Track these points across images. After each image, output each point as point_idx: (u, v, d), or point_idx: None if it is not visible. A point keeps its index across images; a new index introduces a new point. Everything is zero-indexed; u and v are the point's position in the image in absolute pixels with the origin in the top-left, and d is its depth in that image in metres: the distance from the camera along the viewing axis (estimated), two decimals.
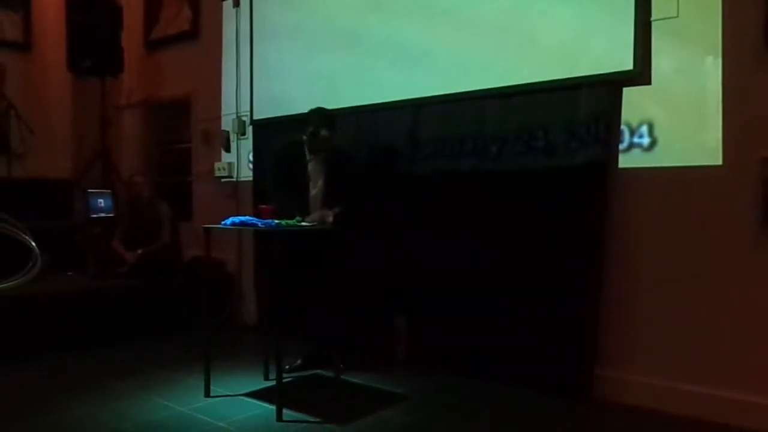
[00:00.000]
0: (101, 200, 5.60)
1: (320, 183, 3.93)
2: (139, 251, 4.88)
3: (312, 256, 3.77)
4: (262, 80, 5.10)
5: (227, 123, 5.41)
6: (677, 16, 3.18)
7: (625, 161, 3.36)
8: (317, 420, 3.10)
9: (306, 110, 4.08)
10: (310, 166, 3.95)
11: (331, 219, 3.69)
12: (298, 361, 3.90)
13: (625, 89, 3.34)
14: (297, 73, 4.80)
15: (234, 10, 5.32)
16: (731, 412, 3.00)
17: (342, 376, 3.63)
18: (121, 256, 4.91)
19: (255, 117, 5.14)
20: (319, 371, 3.87)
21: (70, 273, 5.12)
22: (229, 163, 5.41)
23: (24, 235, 4.80)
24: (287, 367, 3.72)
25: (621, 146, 3.37)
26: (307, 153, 3.95)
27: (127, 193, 5.29)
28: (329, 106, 4.08)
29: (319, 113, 3.96)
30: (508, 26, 3.68)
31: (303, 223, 3.47)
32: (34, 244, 4.78)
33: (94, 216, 5.49)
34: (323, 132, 3.86)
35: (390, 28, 4.22)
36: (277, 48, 4.96)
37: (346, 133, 4.43)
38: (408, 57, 4.12)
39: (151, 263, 4.86)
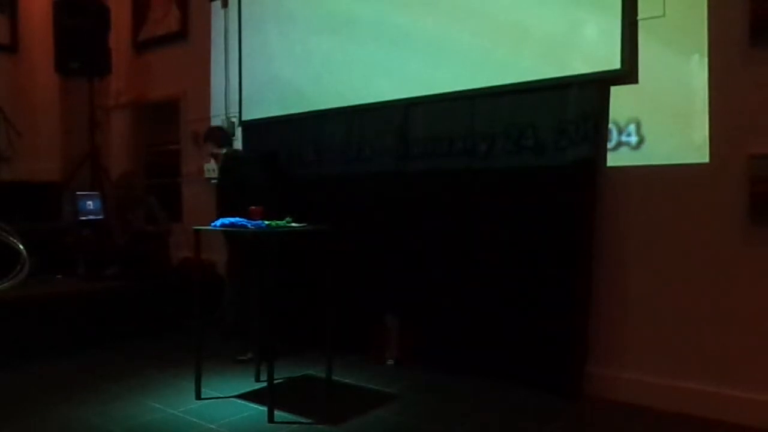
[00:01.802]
0: (90, 202, 5.57)
1: None
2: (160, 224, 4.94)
3: (301, 256, 3.79)
4: (252, 78, 5.08)
5: (216, 124, 5.39)
6: (664, 15, 3.20)
7: (613, 160, 3.39)
8: (309, 421, 3.10)
9: (297, 108, 4.11)
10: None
11: None
12: (249, 355, 4.00)
13: (612, 88, 3.36)
14: (288, 70, 4.79)
15: (222, 11, 5.31)
16: (722, 408, 3.02)
17: (333, 376, 3.63)
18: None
19: (244, 117, 5.12)
20: (309, 371, 3.88)
21: (59, 275, 5.09)
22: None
23: (12, 238, 4.76)
24: (239, 358, 4.01)
25: (609, 145, 3.40)
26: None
27: (115, 194, 5.25)
28: (319, 102, 4.18)
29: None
30: (498, 25, 3.69)
31: (293, 224, 3.46)
32: (22, 247, 4.74)
33: (83, 218, 5.46)
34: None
35: (383, 20, 4.22)
36: (267, 44, 4.94)
37: (336, 133, 4.45)
38: (400, 51, 4.12)
39: (149, 253, 4.82)
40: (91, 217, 5.50)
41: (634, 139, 3.33)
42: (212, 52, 5.46)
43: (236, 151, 4.61)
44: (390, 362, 4.06)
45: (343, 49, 4.42)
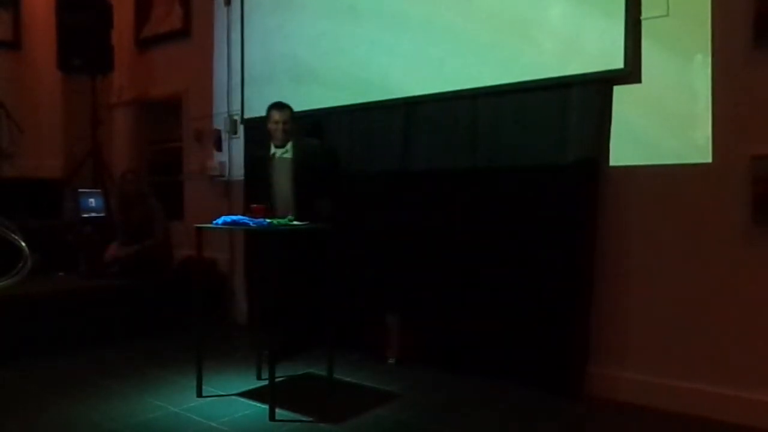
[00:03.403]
0: (92, 199, 5.58)
1: (288, 180, 4.10)
2: (136, 247, 4.85)
3: (304, 254, 3.79)
4: (253, 76, 5.08)
5: (219, 121, 5.40)
6: (667, 15, 3.19)
7: (615, 159, 3.38)
8: (310, 419, 3.10)
9: (295, 106, 4.12)
10: (274, 162, 4.13)
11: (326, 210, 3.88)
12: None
13: (615, 87, 3.35)
14: (288, 68, 4.79)
15: (225, 8, 5.32)
16: (723, 408, 3.02)
17: (334, 375, 3.63)
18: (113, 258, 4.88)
19: (248, 114, 5.12)
20: (310, 370, 3.88)
21: (61, 273, 5.10)
22: (221, 162, 5.39)
23: (14, 235, 4.76)
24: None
25: (611, 144, 3.38)
26: (271, 147, 4.14)
27: (118, 191, 5.27)
28: (321, 102, 4.15)
29: (278, 106, 4.13)
30: (500, 24, 3.68)
31: (295, 222, 3.47)
32: (24, 244, 4.75)
33: (85, 215, 5.47)
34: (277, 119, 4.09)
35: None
36: (268, 42, 4.95)
37: (339, 133, 4.44)
38: (400, 53, 4.13)
39: (144, 261, 4.83)
40: (93, 214, 5.51)
41: (636, 138, 3.31)
42: (215, 50, 5.46)
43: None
44: (391, 361, 4.06)
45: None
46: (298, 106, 4.29)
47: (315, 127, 4.42)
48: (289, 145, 4.13)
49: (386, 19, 4.20)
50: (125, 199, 5.12)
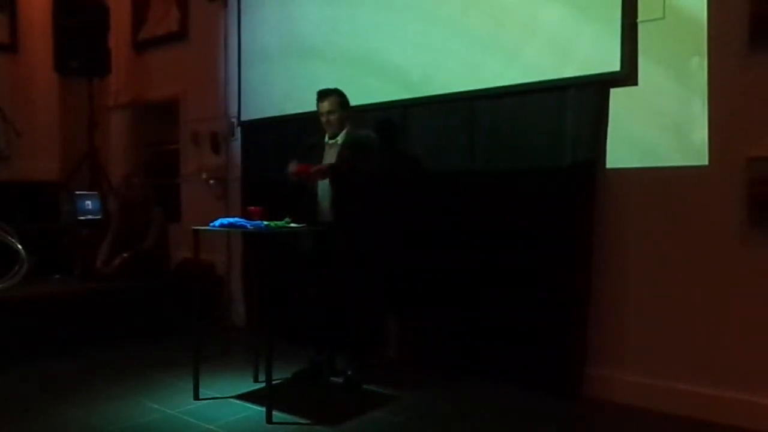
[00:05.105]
0: (89, 202, 5.57)
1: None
2: (125, 254, 4.84)
3: (304, 255, 3.79)
4: (251, 76, 5.08)
5: (216, 124, 5.39)
6: (663, 18, 3.20)
7: (612, 161, 3.38)
8: (307, 422, 3.10)
9: (296, 107, 4.09)
10: (325, 151, 3.72)
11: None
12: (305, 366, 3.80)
13: (612, 90, 3.36)
14: (286, 69, 4.79)
15: (222, 11, 5.32)
16: (721, 411, 3.02)
17: (332, 377, 3.63)
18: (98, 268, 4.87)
19: (245, 117, 5.12)
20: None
21: (57, 276, 5.08)
22: (219, 165, 5.39)
23: (10, 238, 4.76)
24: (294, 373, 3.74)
25: (608, 146, 3.39)
26: (326, 137, 3.73)
27: (122, 194, 5.24)
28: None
29: (322, 95, 3.68)
30: (498, 27, 3.69)
31: (292, 225, 3.46)
32: (20, 246, 4.74)
33: (82, 218, 5.46)
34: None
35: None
36: (265, 42, 4.95)
37: None
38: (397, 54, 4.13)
39: (135, 267, 4.82)
40: (89, 216, 5.50)
41: (633, 141, 3.32)
42: (212, 52, 5.45)
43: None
44: (389, 363, 4.06)
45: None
46: (297, 107, 4.28)
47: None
48: (342, 134, 3.69)
49: (389, 12, 4.20)
50: (128, 204, 5.09)
